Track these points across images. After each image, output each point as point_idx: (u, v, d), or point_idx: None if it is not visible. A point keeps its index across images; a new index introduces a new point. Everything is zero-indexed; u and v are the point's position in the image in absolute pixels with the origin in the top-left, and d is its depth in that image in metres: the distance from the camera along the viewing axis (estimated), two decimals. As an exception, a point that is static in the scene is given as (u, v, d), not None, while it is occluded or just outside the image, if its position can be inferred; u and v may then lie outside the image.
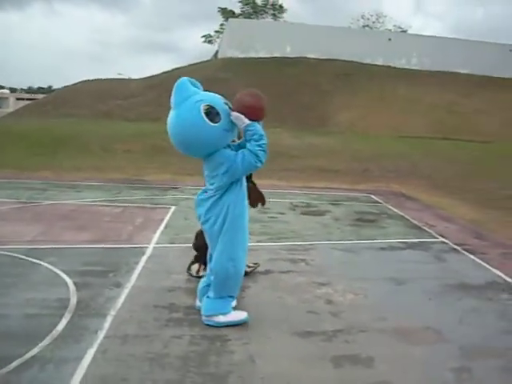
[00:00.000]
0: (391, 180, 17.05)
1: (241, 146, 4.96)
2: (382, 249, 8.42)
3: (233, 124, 4.85)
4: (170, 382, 4.00)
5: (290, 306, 5.67)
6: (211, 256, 5.17)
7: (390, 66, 37.68)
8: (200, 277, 6.01)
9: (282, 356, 4.54)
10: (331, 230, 9.69)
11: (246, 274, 6.44)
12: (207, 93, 4.94)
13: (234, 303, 5.27)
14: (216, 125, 4.71)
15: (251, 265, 6.64)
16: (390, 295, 6.26)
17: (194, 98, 4.75)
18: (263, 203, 6.41)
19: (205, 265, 6.03)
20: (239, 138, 5.15)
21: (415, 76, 35.59)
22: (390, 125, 27.76)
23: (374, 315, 5.51)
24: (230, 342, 4.73)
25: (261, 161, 4.79)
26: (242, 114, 4.71)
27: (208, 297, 5.15)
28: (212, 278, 5.09)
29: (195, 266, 6.42)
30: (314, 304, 5.75)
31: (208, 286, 5.25)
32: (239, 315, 5.17)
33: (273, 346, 4.72)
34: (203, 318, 5.12)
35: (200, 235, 6.05)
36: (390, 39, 40.10)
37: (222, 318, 5.07)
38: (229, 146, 4.95)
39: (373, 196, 13.95)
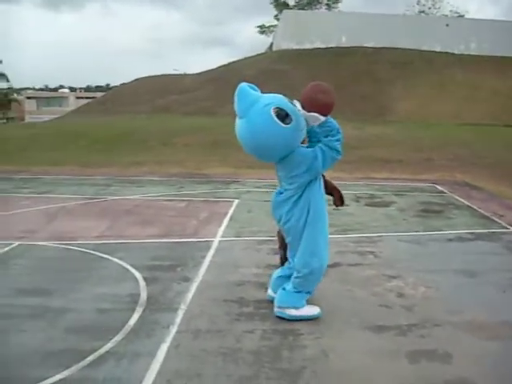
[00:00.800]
0: (454, 169, 16.60)
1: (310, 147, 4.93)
2: (450, 240, 8.21)
3: (303, 123, 4.79)
4: (245, 377, 3.98)
5: (361, 300, 5.58)
6: (293, 252, 5.13)
7: (448, 53, 36.73)
8: None
9: (356, 351, 4.47)
10: (397, 222, 9.51)
11: None
12: (271, 95, 4.90)
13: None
14: (288, 126, 4.66)
15: None
16: (462, 288, 6.08)
17: (262, 102, 4.71)
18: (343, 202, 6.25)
19: None
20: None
21: (475, 62, 34.59)
22: (450, 112, 27.12)
23: (448, 309, 5.37)
24: (302, 337, 4.69)
25: (340, 154, 4.80)
26: (316, 111, 4.63)
27: (284, 289, 5.11)
28: (295, 274, 5.05)
29: None
30: (386, 297, 5.65)
31: (282, 277, 5.24)
32: (312, 310, 5.12)
33: (345, 341, 4.65)
34: (275, 309, 5.09)
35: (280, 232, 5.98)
36: (447, 25, 39.03)
37: (293, 312, 5.03)
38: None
39: (437, 186, 13.61)
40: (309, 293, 5.13)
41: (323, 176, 5.89)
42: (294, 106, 4.76)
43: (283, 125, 4.63)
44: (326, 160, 4.76)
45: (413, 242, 7.99)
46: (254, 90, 4.86)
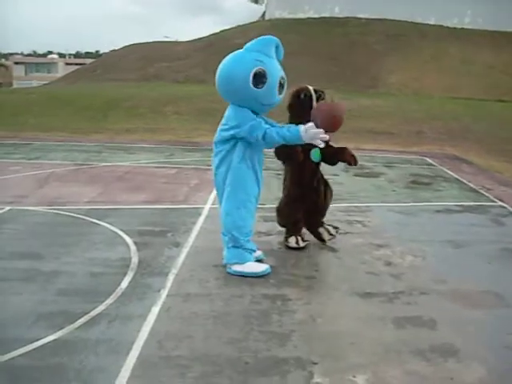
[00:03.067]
0: (444, 142, 16.70)
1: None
2: (439, 211, 8.29)
3: (270, 100, 5.02)
4: (234, 339, 4.04)
5: (350, 267, 5.66)
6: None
7: (442, 26, 36.54)
8: (300, 248, 6.09)
9: (343, 316, 4.54)
10: (386, 192, 9.59)
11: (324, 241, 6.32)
12: (275, 62, 5.05)
13: (257, 254, 5.43)
14: (254, 89, 4.83)
15: (333, 232, 6.34)
16: (448, 258, 6.18)
17: (261, 56, 4.89)
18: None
19: (300, 235, 6.13)
20: None
21: (468, 35, 34.47)
22: (442, 86, 27.10)
23: (434, 277, 5.45)
24: (291, 302, 4.75)
25: (264, 141, 4.95)
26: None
27: (227, 246, 5.34)
28: None
29: (292, 239, 6.14)
30: (374, 265, 5.73)
31: None
32: (258, 267, 5.28)
33: (333, 306, 4.73)
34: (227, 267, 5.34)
35: (281, 210, 6.13)
36: (442, -3, 38.81)
37: (238, 267, 5.23)
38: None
39: (427, 158, 13.70)
40: (241, 248, 5.26)
41: (328, 145, 5.80)
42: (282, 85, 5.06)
43: (251, 85, 4.81)
44: (250, 132, 4.92)
45: (401, 213, 8.06)
46: (278, 51, 5.14)
